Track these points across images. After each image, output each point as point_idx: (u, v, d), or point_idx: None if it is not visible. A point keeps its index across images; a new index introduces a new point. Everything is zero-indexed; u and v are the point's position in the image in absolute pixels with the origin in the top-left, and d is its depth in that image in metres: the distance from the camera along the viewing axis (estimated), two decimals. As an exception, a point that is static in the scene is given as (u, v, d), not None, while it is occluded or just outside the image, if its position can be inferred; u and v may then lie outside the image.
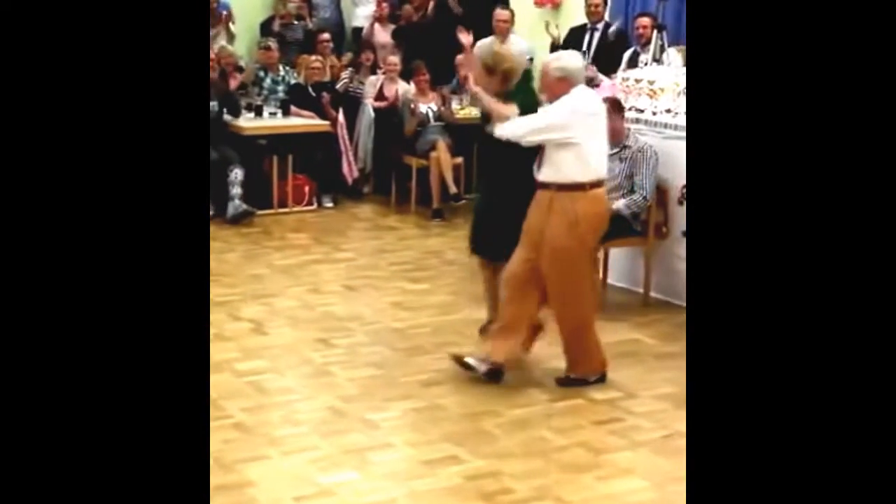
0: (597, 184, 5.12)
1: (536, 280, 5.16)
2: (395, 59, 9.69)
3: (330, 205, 9.28)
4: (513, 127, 5.13)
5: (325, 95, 9.30)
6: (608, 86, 7.33)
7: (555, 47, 9.11)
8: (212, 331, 5.53)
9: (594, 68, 8.31)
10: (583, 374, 5.35)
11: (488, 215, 5.61)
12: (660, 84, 6.83)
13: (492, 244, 5.55)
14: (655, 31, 7.58)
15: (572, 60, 5.23)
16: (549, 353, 5.69)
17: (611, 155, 6.55)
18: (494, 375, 5.26)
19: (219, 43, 9.67)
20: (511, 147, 5.16)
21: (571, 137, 4.98)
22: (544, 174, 5.09)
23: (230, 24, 10.08)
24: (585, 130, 5.03)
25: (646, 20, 8.18)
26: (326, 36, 10.04)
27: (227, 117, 8.87)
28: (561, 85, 5.08)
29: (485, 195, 5.77)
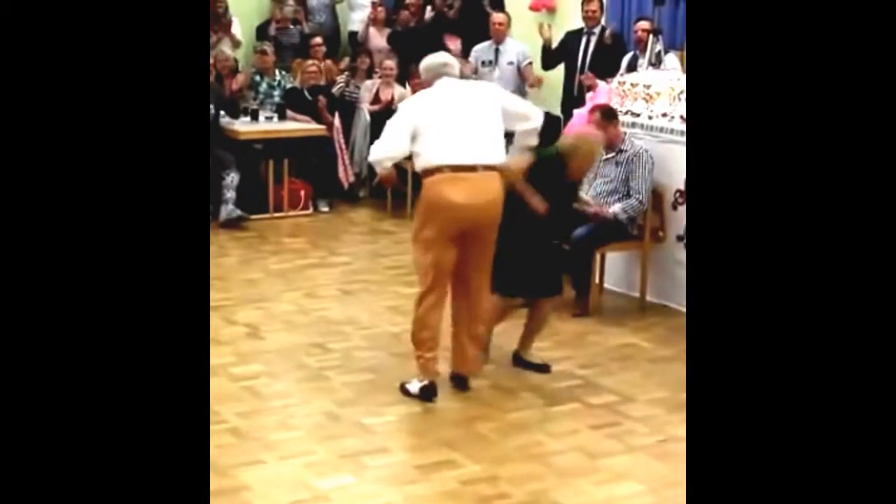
0: (436, 169, 4.98)
1: (456, 277, 5.14)
2: (391, 63, 9.68)
3: (326, 209, 9.27)
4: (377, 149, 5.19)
5: (322, 99, 9.30)
6: (605, 90, 7.32)
7: (546, 49, 9.12)
8: (207, 335, 5.51)
9: (592, 75, 8.32)
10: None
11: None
12: (656, 88, 6.83)
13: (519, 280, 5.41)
14: (651, 36, 7.58)
15: (429, 59, 5.36)
16: (548, 357, 5.69)
17: (606, 159, 6.60)
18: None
19: (217, 47, 9.67)
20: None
21: (413, 127, 5.02)
22: None
23: (234, 30, 10.08)
24: (427, 119, 5.04)
25: (645, 24, 8.18)
26: (319, 40, 10.03)
27: (224, 120, 8.86)
28: (424, 86, 5.33)
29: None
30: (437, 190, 4.96)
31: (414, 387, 5.12)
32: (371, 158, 5.28)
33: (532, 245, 5.35)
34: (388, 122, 5.17)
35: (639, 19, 8.53)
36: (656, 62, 7.44)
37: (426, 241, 5.02)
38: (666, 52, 7.66)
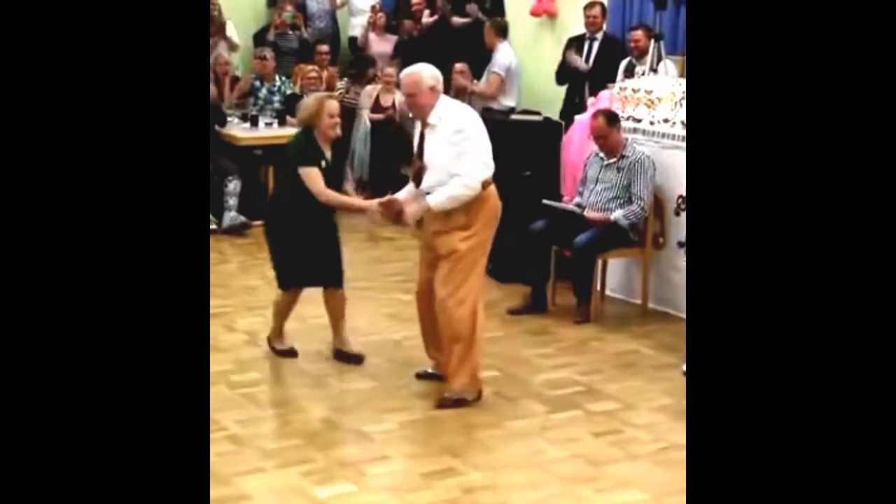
0: (489, 181, 5.15)
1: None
2: (391, 69, 9.67)
3: (326, 215, 9.24)
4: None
5: (322, 105, 9.27)
6: (606, 96, 7.31)
7: (562, 66, 9.09)
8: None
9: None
10: (460, 390, 5.14)
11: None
12: (657, 94, 6.81)
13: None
14: (652, 41, 7.57)
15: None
16: (549, 363, 5.67)
17: (608, 165, 6.58)
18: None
19: (217, 51, 9.65)
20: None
21: None
22: None
23: (231, 34, 10.06)
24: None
25: (639, 33, 8.22)
26: (325, 48, 10.01)
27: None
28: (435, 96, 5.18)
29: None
30: (496, 197, 5.15)
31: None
32: (478, 181, 5.04)
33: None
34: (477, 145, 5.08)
35: (634, 28, 8.53)
36: (655, 67, 7.42)
37: (486, 243, 5.13)
38: (663, 58, 7.64)
